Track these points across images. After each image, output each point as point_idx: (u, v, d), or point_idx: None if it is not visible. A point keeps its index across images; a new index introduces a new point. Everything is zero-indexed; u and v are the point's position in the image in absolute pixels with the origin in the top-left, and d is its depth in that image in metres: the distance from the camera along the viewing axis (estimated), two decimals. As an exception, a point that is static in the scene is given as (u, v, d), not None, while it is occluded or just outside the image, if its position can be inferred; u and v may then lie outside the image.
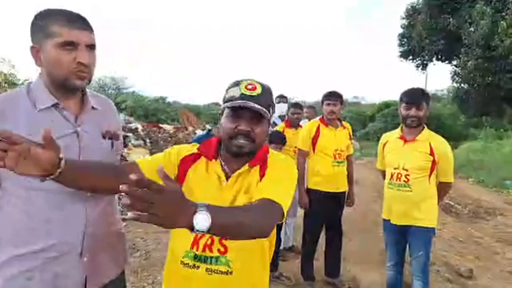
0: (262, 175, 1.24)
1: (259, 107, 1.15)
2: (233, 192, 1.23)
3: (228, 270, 1.21)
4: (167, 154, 1.30)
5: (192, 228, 0.82)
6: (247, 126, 1.17)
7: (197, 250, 1.21)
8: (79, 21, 1.22)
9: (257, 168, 1.27)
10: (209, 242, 1.21)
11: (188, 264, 1.22)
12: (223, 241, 1.20)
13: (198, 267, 1.20)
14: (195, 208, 0.82)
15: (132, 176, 0.70)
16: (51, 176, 1.00)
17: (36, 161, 0.95)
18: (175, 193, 0.79)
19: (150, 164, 1.25)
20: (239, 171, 1.24)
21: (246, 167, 1.25)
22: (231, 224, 0.92)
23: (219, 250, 1.21)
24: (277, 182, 1.18)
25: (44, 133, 0.94)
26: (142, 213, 0.72)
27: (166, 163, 1.27)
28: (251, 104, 1.15)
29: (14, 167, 0.93)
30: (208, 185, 1.24)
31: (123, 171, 1.17)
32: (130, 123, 10.25)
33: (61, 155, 1.01)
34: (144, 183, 0.72)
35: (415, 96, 2.49)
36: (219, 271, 1.20)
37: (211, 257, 1.20)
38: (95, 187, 1.16)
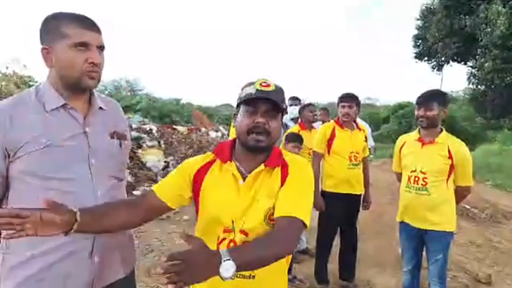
0: (283, 179, 1.26)
1: (274, 99, 1.21)
2: (251, 192, 1.24)
3: (250, 274, 1.22)
4: (180, 171, 1.34)
5: (220, 276, 0.92)
6: (263, 118, 1.21)
7: None
8: (89, 23, 1.25)
9: (278, 170, 1.28)
10: (232, 246, 1.22)
11: None
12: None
13: None
14: (219, 258, 0.92)
15: (159, 269, 0.83)
16: (72, 230, 1.08)
17: (52, 223, 1.03)
18: (201, 251, 0.91)
19: (166, 187, 1.31)
20: (256, 170, 1.26)
21: (262, 166, 1.27)
22: (254, 261, 1.02)
23: None
24: (298, 194, 1.23)
25: (45, 203, 1.02)
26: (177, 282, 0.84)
27: (181, 180, 1.30)
28: (267, 96, 1.21)
29: (36, 234, 1.00)
30: (225, 187, 1.26)
31: (142, 202, 1.28)
32: (145, 124, 10.35)
33: (75, 209, 1.09)
34: (174, 258, 0.85)
35: (423, 97, 2.50)
36: (242, 275, 1.21)
37: None
38: (119, 225, 1.24)
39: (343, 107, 3.19)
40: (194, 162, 1.33)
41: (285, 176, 1.27)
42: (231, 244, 1.22)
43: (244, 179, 1.26)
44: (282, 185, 1.25)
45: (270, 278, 1.27)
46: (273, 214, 1.22)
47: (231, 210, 1.22)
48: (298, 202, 1.19)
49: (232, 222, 1.22)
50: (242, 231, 1.22)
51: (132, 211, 1.25)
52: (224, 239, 1.23)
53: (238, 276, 1.21)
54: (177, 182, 1.31)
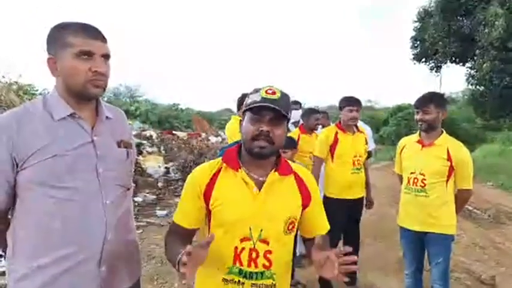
0: (303, 192, 1.33)
1: (278, 108, 1.21)
2: (268, 200, 1.26)
3: (272, 283, 1.25)
4: (190, 192, 1.31)
5: None
6: (267, 127, 1.21)
7: (241, 265, 1.23)
8: (94, 32, 1.26)
9: (291, 180, 1.33)
10: (254, 255, 1.23)
11: (233, 280, 1.23)
12: (268, 255, 1.23)
13: (243, 283, 1.22)
14: None
15: None
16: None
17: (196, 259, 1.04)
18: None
19: (187, 215, 1.32)
20: (271, 179, 1.27)
21: (277, 175, 1.28)
22: None
23: (264, 265, 1.23)
24: (322, 208, 1.42)
25: (210, 239, 1.07)
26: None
27: (196, 202, 1.29)
28: (271, 104, 1.20)
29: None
30: (238, 195, 1.26)
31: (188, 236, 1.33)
32: (144, 130, 10.37)
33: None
34: None
35: (420, 101, 2.51)
36: (264, 285, 1.23)
37: (257, 272, 1.23)
38: None
39: (351, 111, 3.16)
40: (201, 177, 1.31)
41: (302, 187, 1.33)
42: (253, 254, 1.22)
43: (256, 185, 1.26)
44: (303, 196, 1.32)
45: (286, 284, 1.32)
46: (292, 223, 1.28)
47: (248, 218, 1.22)
48: (325, 218, 1.43)
49: (250, 229, 1.22)
50: (262, 241, 1.23)
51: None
52: (243, 248, 1.23)
53: (260, 286, 1.23)
54: (195, 205, 1.30)
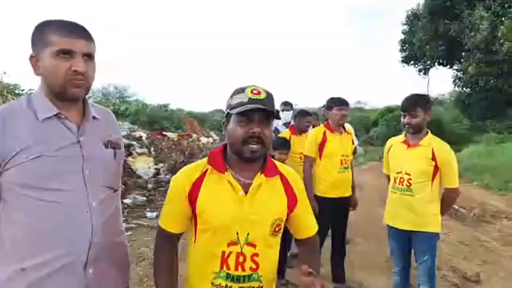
0: (289, 193, 1.32)
1: (268, 108, 1.18)
2: (255, 203, 1.24)
3: (259, 285, 1.24)
4: (175, 195, 1.31)
5: None
6: (258, 128, 1.18)
7: (229, 269, 1.21)
8: (76, 30, 1.21)
9: (278, 181, 1.31)
10: (241, 259, 1.21)
11: (220, 284, 1.22)
12: (255, 258, 1.23)
13: (231, 287, 1.21)
14: None
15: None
16: None
17: None
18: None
19: (172, 220, 1.34)
20: (257, 181, 1.25)
21: (263, 177, 1.26)
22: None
23: (251, 268, 1.22)
24: (309, 209, 1.42)
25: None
26: None
27: (180, 205, 1.28)
28: (261, 105, 1.17)
29: None
30: (224, 199, 1.23)
31: (174, 243, 1.38)
32: (134, 131, 10.27)
33: None
34: None
35: (407, 104, 2.54)
36: (251, 287, 1.23)
37: (245, 276, 1.22)
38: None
39: (340, 110, 3.22)
40: (185, 180, 1.28)
41: (288, 189, 1.32)
42: (241, 258, 1.21)
43: (243, 188, 1.23)
44: (288, 198, 1.30)
45: (272, 285, 1.33)
46: (279, 225, 1.27)
47: (235, 222, 1.20)
48: (313, 218, 1.42)
49: (237, 234, 1.21)
50: (249, 244, 1.21)
51: (175, 254, 1.38)
52: (230, 253, 1.21)
53: None
54: (180, 209, 1.29)
